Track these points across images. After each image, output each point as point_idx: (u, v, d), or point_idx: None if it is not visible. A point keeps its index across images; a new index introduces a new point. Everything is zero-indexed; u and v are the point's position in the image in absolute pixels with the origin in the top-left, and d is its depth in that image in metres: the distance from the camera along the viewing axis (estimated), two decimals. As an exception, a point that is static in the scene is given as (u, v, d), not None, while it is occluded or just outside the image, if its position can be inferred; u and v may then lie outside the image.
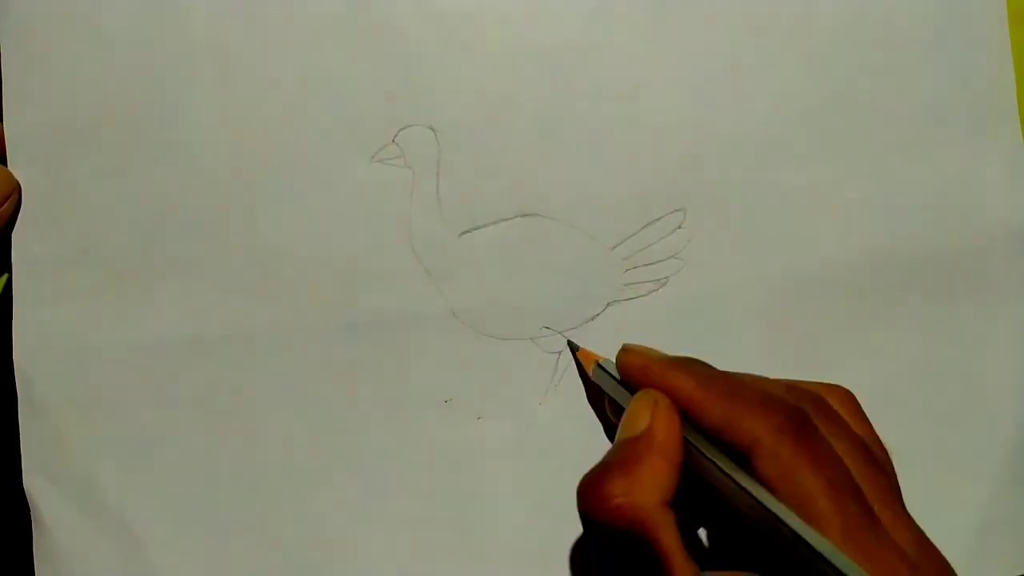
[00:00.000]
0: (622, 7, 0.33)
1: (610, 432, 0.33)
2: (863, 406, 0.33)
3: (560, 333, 0.33)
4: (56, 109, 0.32)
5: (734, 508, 0.24)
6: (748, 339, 0.33)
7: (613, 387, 0.30)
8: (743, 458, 0.24)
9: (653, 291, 0.33)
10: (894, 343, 0.34)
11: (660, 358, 0.28)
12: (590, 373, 0.32)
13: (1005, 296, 0.34)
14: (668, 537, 0.23)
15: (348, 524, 0.32)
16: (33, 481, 0.32)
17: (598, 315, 0.33)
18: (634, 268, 0.33)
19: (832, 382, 0.33)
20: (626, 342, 0.30)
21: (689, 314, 0.33)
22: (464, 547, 0.33)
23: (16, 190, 0.32)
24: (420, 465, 0.33)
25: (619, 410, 0.28)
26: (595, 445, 0.33)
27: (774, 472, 0.23)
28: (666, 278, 0.33)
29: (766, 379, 0.27)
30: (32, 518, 0.32)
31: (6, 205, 0.31)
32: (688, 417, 0.26)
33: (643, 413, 0.26)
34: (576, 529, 0.32)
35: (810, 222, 0.33)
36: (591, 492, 0.25)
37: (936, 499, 0.33)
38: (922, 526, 0.33)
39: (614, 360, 0.30)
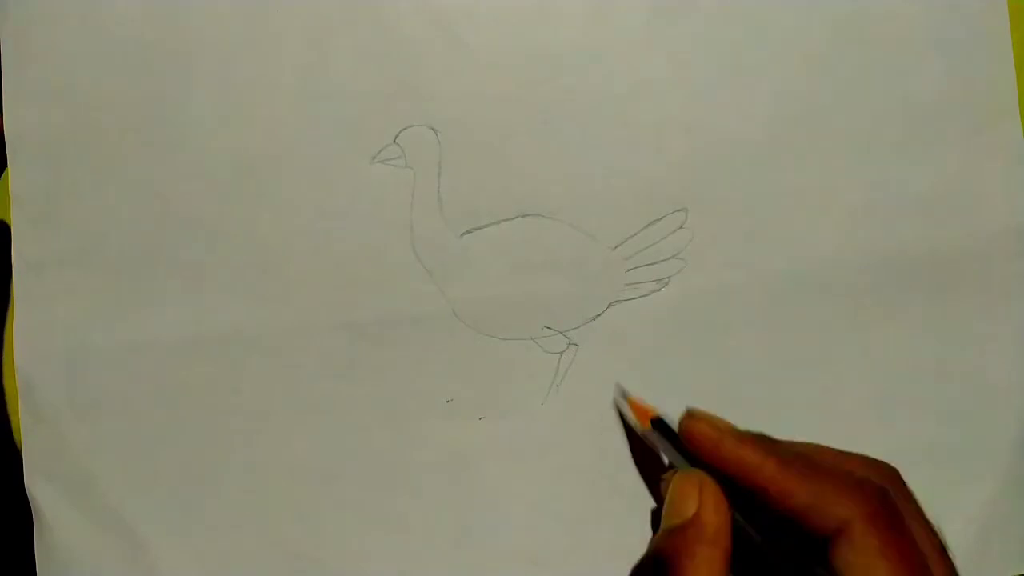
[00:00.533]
0: (623, 7, 0.33)
1: (655, 490, 0.32)
2: (865, 407, 0.34)
3: (561, 333, 0.33)
4: (56, 109, 0.32)
5: None
6: (749, 339, 0.33)
7: (670, 451, 0.28)
8: (814, 540, 0.24)
9: (655, 291, 0.33)
10: (895, 343, 0.34)
11: (732, 432, 0.26)
12: (642, 430, 0.30)
13: (1006, 296, 0.34)
14: None
15: (349, 524, 0.32)
16: (34, 481, 0.32)
17: (600, 315, 0.33)
18: (635, 268, 0.33)
19: (836, 384, 0.33)
20: (691, 407, 0.28)
21: (691, 314, 0.33)
22: (465, 547, 0.33)
23: None
24: (421, 465, 0.33)
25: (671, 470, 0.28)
26: (596, 446, 0.33)
27: (860, 560, 0.23)
28: (668, 278, 0.33)
29: (840, 452, 0.27)
30: (33, 518, 0.32)
31: None
32: (754, 498, 0.25)
33: (691, 495, 0.25)
34: (578, 528, 0.33)
35: (811, 222, 0.33)
36: None
37: (937, 498, 0.33)
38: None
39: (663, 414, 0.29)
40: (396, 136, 0.32)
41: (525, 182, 0.32)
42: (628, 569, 0.32)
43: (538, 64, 0.32)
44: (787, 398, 0.33)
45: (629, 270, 0.33)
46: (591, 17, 0.32)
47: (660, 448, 0.29)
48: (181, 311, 0.32)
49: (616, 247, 0.33)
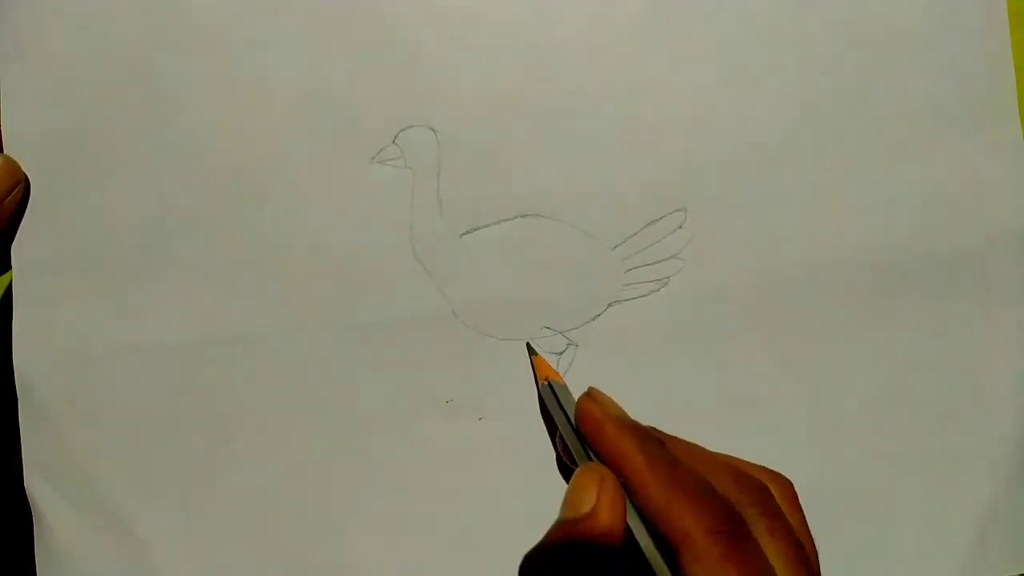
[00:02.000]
0: (623, 8, 0.33)
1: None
2: (865, 407, 0.33)
3: (561, 333, 0.33)
4: (55, 110, 0.32)
5: None
6: (748, 339, 0.33)
7: (561, 419, 0.30)
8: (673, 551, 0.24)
9: (654, 291, 0.33)
10: (893, 343, 0.34)
11: (618, 420, 0.27)
12: (539, 387, 0.32)
13: (1004, 297, 0.34)
14: None
15: (349, 525, 0.32)
16: (34, 482, 0.32)
17: (599, 315, 0.33)
18: (635, 268, 0.33)
19: (834, 385, 0.33)
20: (593, 387, 0.30)
21: (690, 314, 0.33)
22: (465, 547, 0.33)
23: (22, 182, 0.31)
24: (421, 465, 0.33)
25: (562, 439, 0.29)
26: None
27: (700, 572, 0.23)
28: (667, 278, 0.33)
29: (717, 461, 0.27)
30: (34, 519, 0.32)
31: (12, 196, 0.31)
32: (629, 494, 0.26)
33: (589, 490, 0.26)
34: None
35: (811, 222, 0.33)
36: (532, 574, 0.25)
37: (935, 499, 0.34)
38: (923, 527, 0.34)
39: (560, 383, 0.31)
40: (395, 136, 0.32)
41: (524, 182, 0.32)
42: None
43: (538, 64, 0.32)
44: (785, 398, 0.33)
45: (628, 270, 0.33)
46: (591, 18, 0.32)
47: (554, 413, 0.30)
48: (181, 312, 0.32)
49: (615, 247, 0.33)
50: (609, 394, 0.32)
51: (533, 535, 0.32)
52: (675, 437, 0.29)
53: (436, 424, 0.33)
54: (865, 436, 0.34)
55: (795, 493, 0.28)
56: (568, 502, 0.26)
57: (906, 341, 0.34)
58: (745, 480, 0.26)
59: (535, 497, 0.33)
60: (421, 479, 0.33)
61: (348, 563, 0.32)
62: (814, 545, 0.27)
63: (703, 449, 0.28)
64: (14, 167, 0.31)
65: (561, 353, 0.33)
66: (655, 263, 0.33)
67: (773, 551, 0.25)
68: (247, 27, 0.32)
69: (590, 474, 0.26)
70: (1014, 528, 0.34)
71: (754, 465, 0.28)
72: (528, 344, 0.33)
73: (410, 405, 0.32)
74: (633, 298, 0.33)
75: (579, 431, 0.28)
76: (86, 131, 0.32)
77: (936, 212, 0.33)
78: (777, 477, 0.28)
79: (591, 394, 0.29)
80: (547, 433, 0.33)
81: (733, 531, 0.24)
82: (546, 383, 0.31)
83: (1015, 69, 0.34)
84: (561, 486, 0.33)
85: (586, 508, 0.25)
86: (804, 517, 0.27)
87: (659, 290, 0.33)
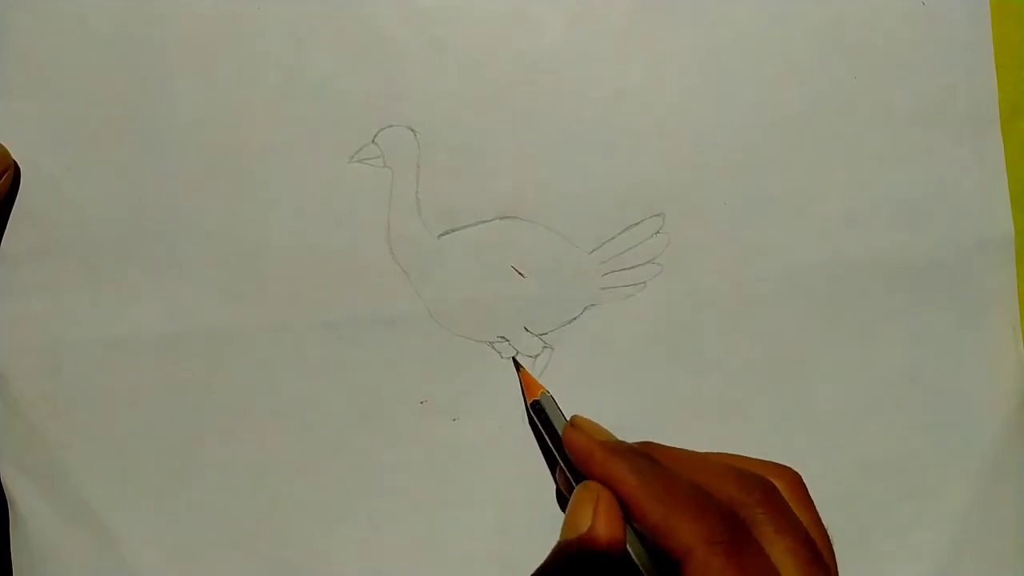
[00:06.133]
0: (603, 11, 0.32)
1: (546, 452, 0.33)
2: (840, 416, 0.33)
3: (537, 336, 0.33)
4: (35, 103, 0.32)
5: None
6: (725, 345, 0.33)
7: (550, 434, 0.30)
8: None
9: (631, 295, 0.33)
10: (870, 352, 0.34)
11: (604, 445, 0.27)
12: (529, 405, 0.32)
13: (982, 306, 0.34)
14: None
15: (321, 523, 0.32)
16: (9, 473, 0.32)
17: (576, 318, 0.33)
18: (612, 272, 0.33)
19: (810, 392, 0.33)
20: (577, 415, 0.30)
21: (666, 319, 0.33)
22: (438, 548, 0.33)
23: (12, 167, 0.31)
24: (395, 465, 0.33)
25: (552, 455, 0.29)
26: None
27: None
28: (644, 283, 0.33)
29: (715, 464, 0.27)
30: (8, 509, 0.32)
31: (2, 180, 0.31)
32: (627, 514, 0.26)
33: (586, 509, 0.25)
34: (550, 531, 0.33)
35: (788, 229, 0.33)
36: None
37: (909, 508, 0.34)
38: (897, 535, 0.34)
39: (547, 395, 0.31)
40: (375, 136, 0.32)
41: (503, 184, 0.32)
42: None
43: (518, 66, 0.32)
44: (761, 404, 0.33)
45: (605, 274, 0.33)
46: (572, 20, 0.32)
47: (543, 428, 0.30)
48: (157, 308, 0.32)
49: (593, 251, 0.33)
50: (586, 396, 0.32)
51: (507, 537, 0.33)
52: (668, 447, 0.28)
53: (410, 424, 0.33)
54: (840, 444, 0.34)
55: (803, 486, 0.27)
56: (567, 523, 0.26)
57: (883, 349, 0.34)
58: (747, 480, 0.26)
59: (509, 498, 0.33)
60: (395, 479, 0.33)
61: (320, 561, 0.32)
62: (828, 538, 0.26)
63: (699, 454, 0.28)
64: (3, 152, 0.31)
65: (536, 356, 0.33)
66: (632, 267, 0.33)
67: (781, 550, 0.24)
68: (228, 25, 0.32)
69: (586, 492, 0.26)
70: (987, 538, 0.34)
71: (758, 461, 0.27)
72: (514, 359, 0.33)
73: (384, 405, 0.32)
74: (609, 302, 0.33)
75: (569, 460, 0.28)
76: (65, 125, 0.32)
77: (915, 220, 0.33)
78: (784, 471, 0.27)
79: (575, 423, 0.29)
80: (530, 436, 0.33)
81: (733, 539, 0.24)
82: (535, 404, 0.31)
83: (997, 78, 0.33)
84: (535, 487, 0.33)
85: (584, 526, 0.25)
86: (815, 509, 0.26)
87: (636, 294, 0.33)
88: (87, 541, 0.32)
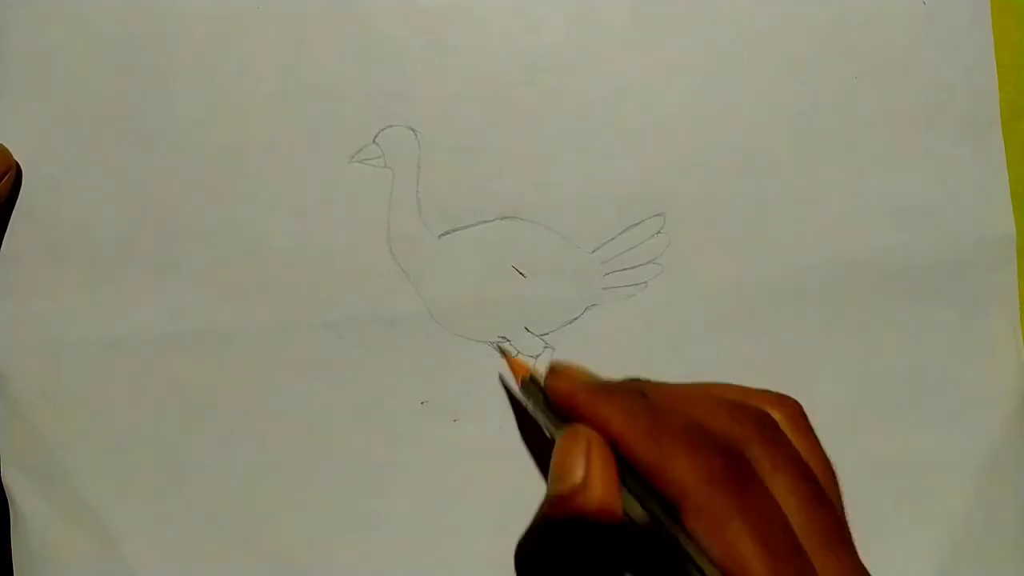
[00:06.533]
0: (605, 11, 0.32)
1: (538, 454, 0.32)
2: (840, 414, 0.33)
3: (539, 336, 0.33)
4: (34, 103, 0.32)
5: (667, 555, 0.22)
6: (725, 345, 0.33)
7: (542, 409, 0.27)
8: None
9: (632, 295, 0.33)
10: (870, 352, 0.34)
11: (587, 385, 0.25)
12: (518, 387, 0.29)
13: (982, 306, 0.34)
14: None
15: (321, 523, 0.32)
16: (10, 473, 0.32)
17: (576, 318, 0.33)
18: (613, 272, 0.33)
19: (810, 392, 0.33)
20: (556, 360, 0.27)
21: (667, 319, 0.33)
22: (438, 548, 0.33)
23: (13, 168, 0.31)
24: (395, 466, 0.33)
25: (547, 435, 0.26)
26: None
27: (703, 527, 0.21)
28: (644, 283, 0.33)
29: (710, 397, 0.24)
30: (9, 508, 0.32)
31: (3, 181, 0.31)
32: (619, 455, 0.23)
33: (576, 459, 0.23)
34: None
35: (789, 229, 0.33)
36: (527, 562, 0.23)
37: (908, 508, 0.34)
38: (897, 536, 0.34)
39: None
40: (375, 136, 0.32)
41: (504, 184, 0.32)
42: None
43: (519, 66, 0.32)
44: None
45: (606, 274, 0.33)
46: (573, 20, 0.32)
47: (536, 412, 0.28)
48: (156, 307, 0.32)
49: (594, 251, 0.33)
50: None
51: (507, 537, 0.32)
52: (658, 383, 0.26)
53: (410, 425, 0.33)
54: (839, 443, 0.33)
55: (804, 416, 0.25)
56: (556, 473, 0.23)
57: (883, 349, 0.34)
58: (742, 413, 0.23)
59: (509, 499, 0.33)
60: (396, 480, 0.33)
61: (320, 561, 0.32)
62: (831, 469, 0.24)
63: (693, 387, 0.25)
64: (5, 153, 0.31)
65: (537, 356, 0.33)
66: (633, 267, 0.33)
67: (781, 485, 0.22)
68: (228, 25, 0.32)
69: (575, 438, 0.23)
70: (987, 538, 0.34)
71: (755, 391, 0.25)
72: (498, 347, 0.32)
73: (385, 405, 0.32)
74: (610, 302, 0.33)
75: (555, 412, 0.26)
76: (65, 125, 0.32)
77: (916, 220, 0.33)
78: (781, 400, 0.25)
79: (554, 369, 0.26)
80: (530, 437, 0.33)
81: (732, 477, 0.22)
82: (528, 379, 0.28)
83: (998, 79, 0.33)
84: (535, 487, 0.33)
85: (577, 478, 0.23)
86: (816, 440, 0.24)
87: (637, 294, 0.33)
88: (87, 540, 0.32)
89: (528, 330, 0.33)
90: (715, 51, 0.33)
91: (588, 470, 0.23)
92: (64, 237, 0.32)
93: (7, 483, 0.32)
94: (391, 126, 0.32)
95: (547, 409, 0.26)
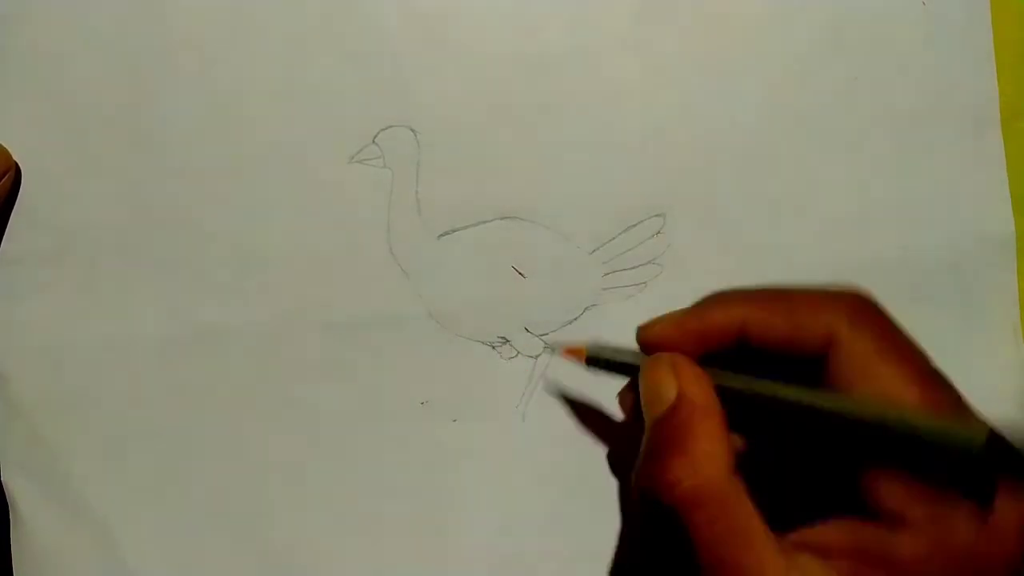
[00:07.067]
0: (604, 12, 0.32)
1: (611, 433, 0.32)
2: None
3: (538, 337, 0.33)
4: (35, 105, 0.32)
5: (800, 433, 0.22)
6: (725, 345, 0.33)
7: (618, 370, 0.27)
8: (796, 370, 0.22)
9: (631, 296, 0.33)
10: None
11: (685, 312, 0.25)
12: (584, 363, 0.29)
13: (983, 305, 0.34)
14: (746, 509, 0.21)
15: (322, 524, 0.32)
16: (10, 475, 0.32)
17: (576, 319, 0.33)
18: (612, 273, 0.33)
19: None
20: (640, 325, 0.26)
21: (667, 319, 0.33)
22: (438, 549, 0.33)
23: (13, 168, 0.31)
24: (395, 466, 0.33)
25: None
26: (569, 449, 0.33)
27: (856, 366, 0.21)
28: (644, 283, 0.33)
29: (796, 292, 0.24)
30: (9, 510, 0.32)
31: (3, 181, 0.31)
32: (744, 342, 0.23)
33: (666, 380, 0.23)
34: (551, 531, 0.33)
35: (790, 229, 0.33)
36: (654, 482, 0.22)
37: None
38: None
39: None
40: (375, 136, 0.32)
41: (504, 184, 0.32)
42: (603, 572, 0.32)
43: (519, 66, 0.32)
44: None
45: (606, 275, 0.33)
46: (573, 20, 0.32)
47: (616, 377, 0.28)
48: (157, 308, 0.32)
49: (593, 251, 0.33)
50: (585, 400, 0.32)
51: (508, 538, 0.33)
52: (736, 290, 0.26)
53: (410, 426, 0.33)
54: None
55: (878, 303, 0.24)
56: (647, 399, 0.23)
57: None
58: (835, 292, 0.23)
59: (510, 500, 0.33)
60: (395, 480, 0.33)
61: (321, 562, 0.32)
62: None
63: (770, 287, 0.25)
64: (5, 153, 0.31)
65: (537, 356, 0.33)
66: (633, 268, 0.33)
67: (890, 375, 0.22)
68: (228, 26, 0.32)
69: (659, 364, 0.24)
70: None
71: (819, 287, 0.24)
72: (547, 345, 0.32)
73: (384, 406, 0.32)
74: (611, 302, 0.33)
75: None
76: (66, 127, 0.32)
77: (916, 220, 0.33)
78: (853, 288, 0.24)
79: (643, 327, 0.26)
80: (531, 436, 0.33)
81: (879, 318, 0.22)
82: (590, 355, 0.28)
83: (998, 78, 0.33)
84: (536, 487, 0.33)
85: (671, 395, 0.23)
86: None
87: (636, 295, 0.33)
88: (88, 542, 0.32)
89: (528, 330, 0.33)
90: (714, 51, 0.33)
91: (681, 383, 0.23)
92: (64, 237, 0.32)
93: (7, 484, 0.32)
94: (391, 126, 0.32)
95: (622, 369, 0.27)
